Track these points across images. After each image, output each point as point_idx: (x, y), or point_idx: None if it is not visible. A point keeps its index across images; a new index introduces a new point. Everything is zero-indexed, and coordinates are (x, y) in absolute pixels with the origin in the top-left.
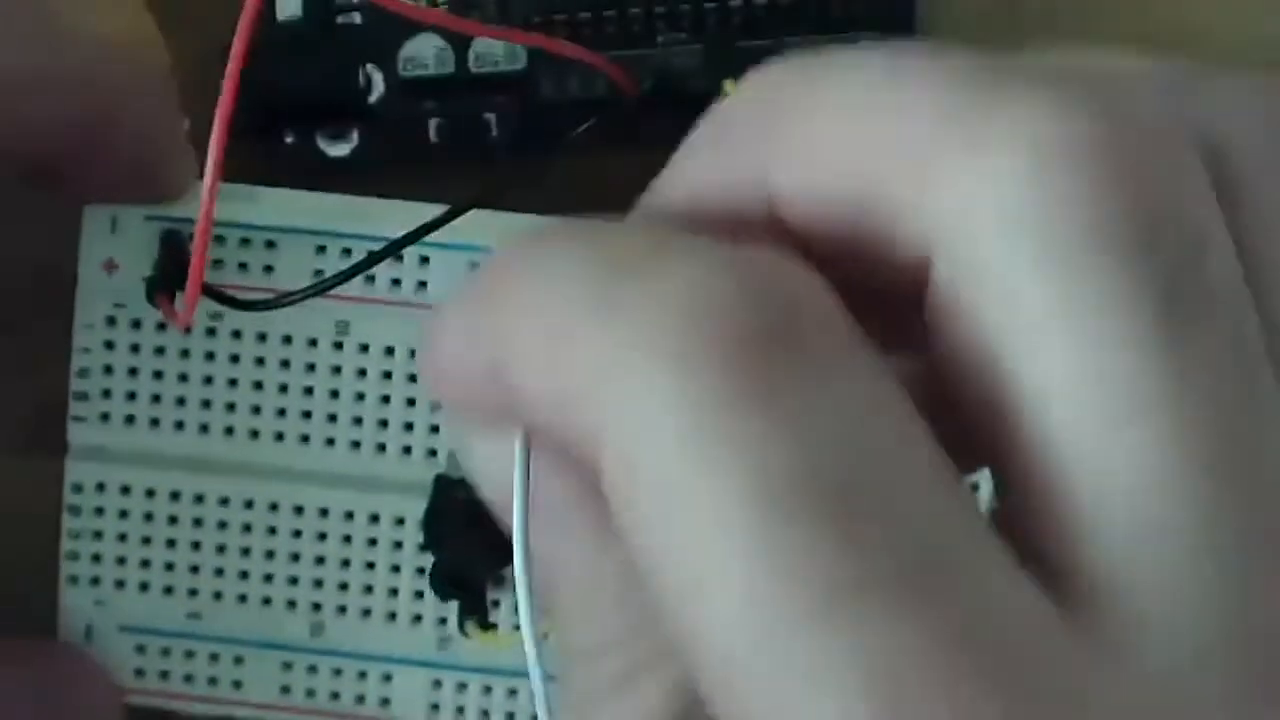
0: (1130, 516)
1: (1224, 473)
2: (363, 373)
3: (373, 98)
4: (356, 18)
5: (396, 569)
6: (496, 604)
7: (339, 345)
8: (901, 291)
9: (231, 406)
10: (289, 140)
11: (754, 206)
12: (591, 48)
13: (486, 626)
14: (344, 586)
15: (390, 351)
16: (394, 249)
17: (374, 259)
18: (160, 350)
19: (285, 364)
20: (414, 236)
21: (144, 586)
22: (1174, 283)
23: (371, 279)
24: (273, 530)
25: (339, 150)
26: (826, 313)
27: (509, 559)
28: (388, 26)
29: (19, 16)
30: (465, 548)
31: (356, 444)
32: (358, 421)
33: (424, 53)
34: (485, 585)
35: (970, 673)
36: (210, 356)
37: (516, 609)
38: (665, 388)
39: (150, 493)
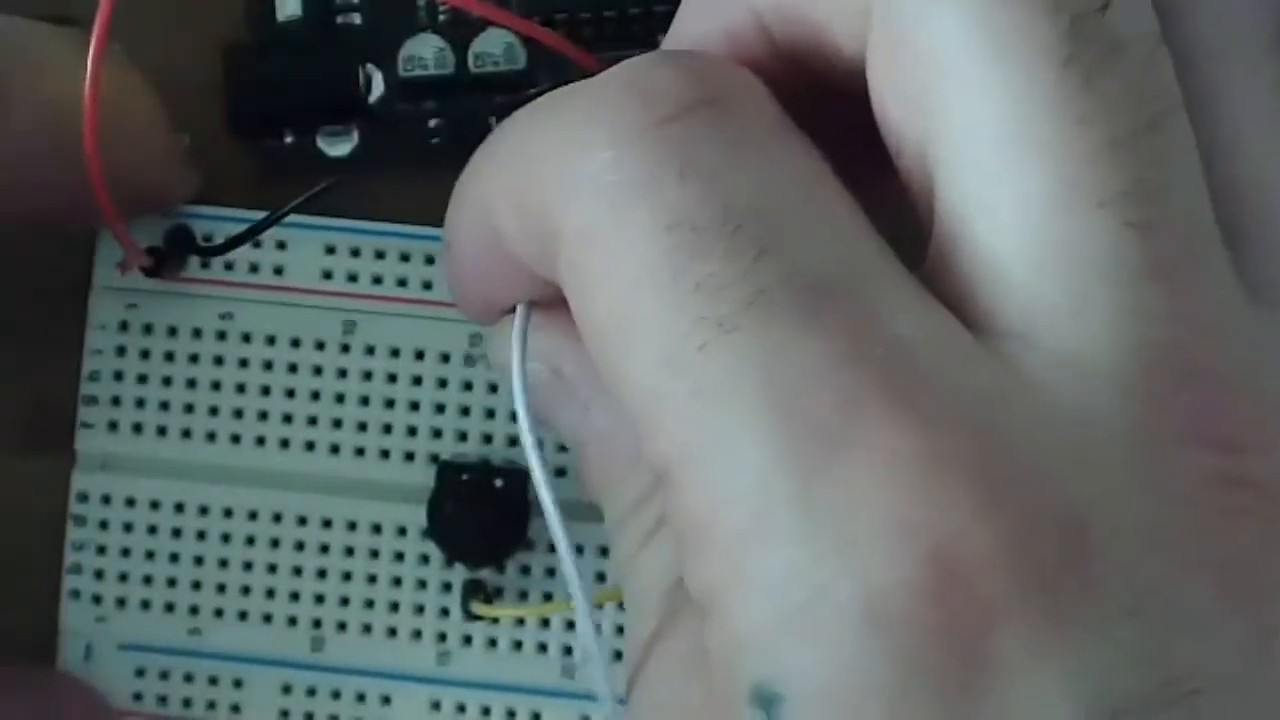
0: (1035, 253)
1: (1124, 206)
2: (368, 375)
3: (373, 98)
4: (356, 18)
5: (398, 582)
6: (500, 590)
7: (345, 348)
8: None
9: (239, 413)
10: (289, 140)
11: (748, 31)
12: (591, 48)
13: (490, 601)
14: (345, 601)
15: (396, 353)
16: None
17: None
18: (170, 356)
19: (293, 368)
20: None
21: (145, 604)
22: (1077, 31)
23: (379, 280)
24: (275, 543)
25: (339, 150)
26: (749, 93)
27: (512, 541)
28: (387, 26)
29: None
30: (468, 532)
31: (360, 450)
32: (362, 427)
33: (424, 53)
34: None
35: (872, 386)
36: (219, 360)
37: (519, 593)
38: (602, 156)
39: (155, 504)
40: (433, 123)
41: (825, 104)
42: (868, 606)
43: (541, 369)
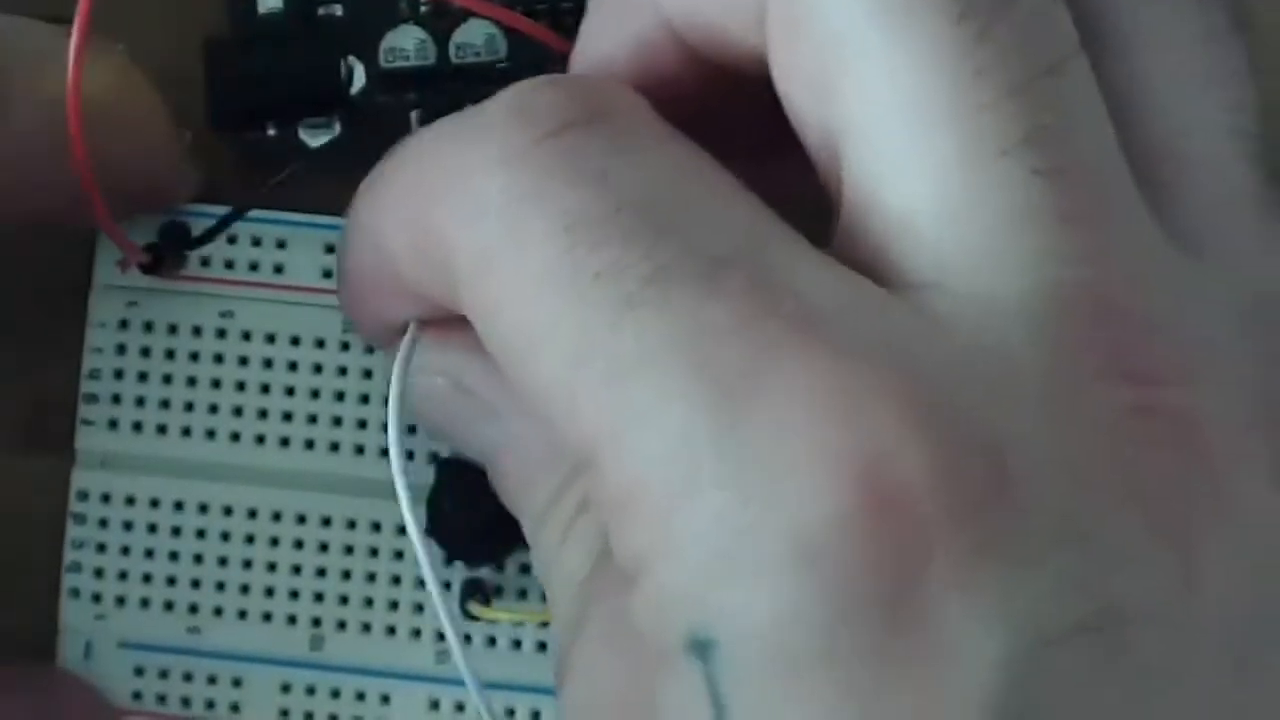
0: (945, 208)
1: (1027, 153)
2: (368, 374)
3: (354, 89)
4: (337, 10)
5: (397, 580)
6: (499, 590)
7: (345, 346)
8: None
9: (239, 411)
10: (271, 132)
11: (658, 37)
12: (572, 37)
13: (488, 602)
14: (344, 600)
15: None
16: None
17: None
18: (170, 354)
19: (293, 366)
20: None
21: (145, 603)
22: None
23: None
24: (275, 541)
25: (321, 141)
26: (630, 106)
27: (511, 540)
28: (369, 18)
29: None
30: (467, 531)
31: (360, 448)
32: (362, 425)
33: (405, 44)
34: (487, 566)
35: (784, 333)
36: (219, 359)
37: (518, 591)
38: (491, 179)
39: (154, 503)
40: (414, 114)
41: (741, 100)
42: (796, 541)
43: (443, 383)
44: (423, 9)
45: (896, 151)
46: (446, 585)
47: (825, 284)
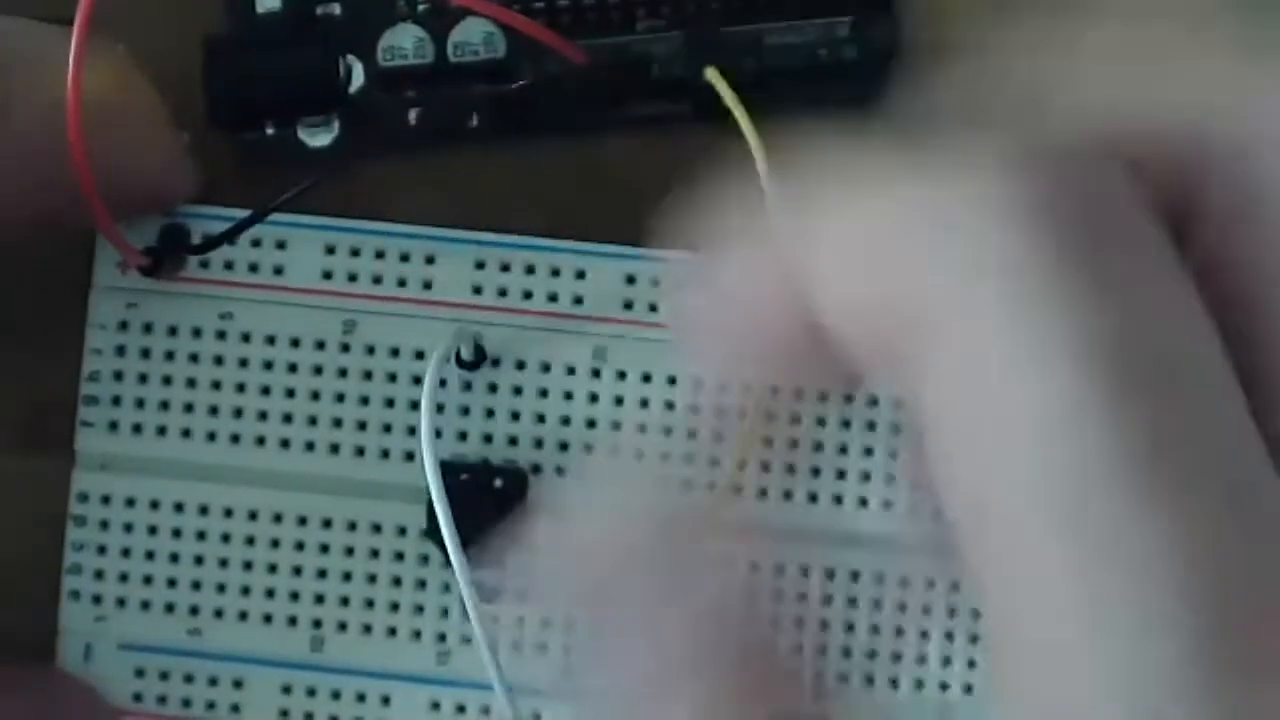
0: None
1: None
2: (368, 375)
3: (353, 88)
4: (336, 9)
5: (398, 582)
6: (500, 591)
7: (345, 348)
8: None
9: (239, 413)
10: (270, 131)
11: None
12: (570, 36)
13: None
14: (345, 601)
15: (396, 353)
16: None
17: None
18: (170, 355)
19: (293, 367)
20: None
21: (145, 604)
22: None
23: (379, 280)
24: (275, 543)
25: (320, 141)
26: (1143, 223)
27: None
28: (367, 17)
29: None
30: (468, 532)
31: (360, 450)
32: (362, 427)
33: (403, 43)
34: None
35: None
36: (219, 360)
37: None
38: (993, 307)
39: (154, 504)
40: (413, 112)
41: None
42: None
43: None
44: (421, 8)
45: None
46: (447, 587)
47: None
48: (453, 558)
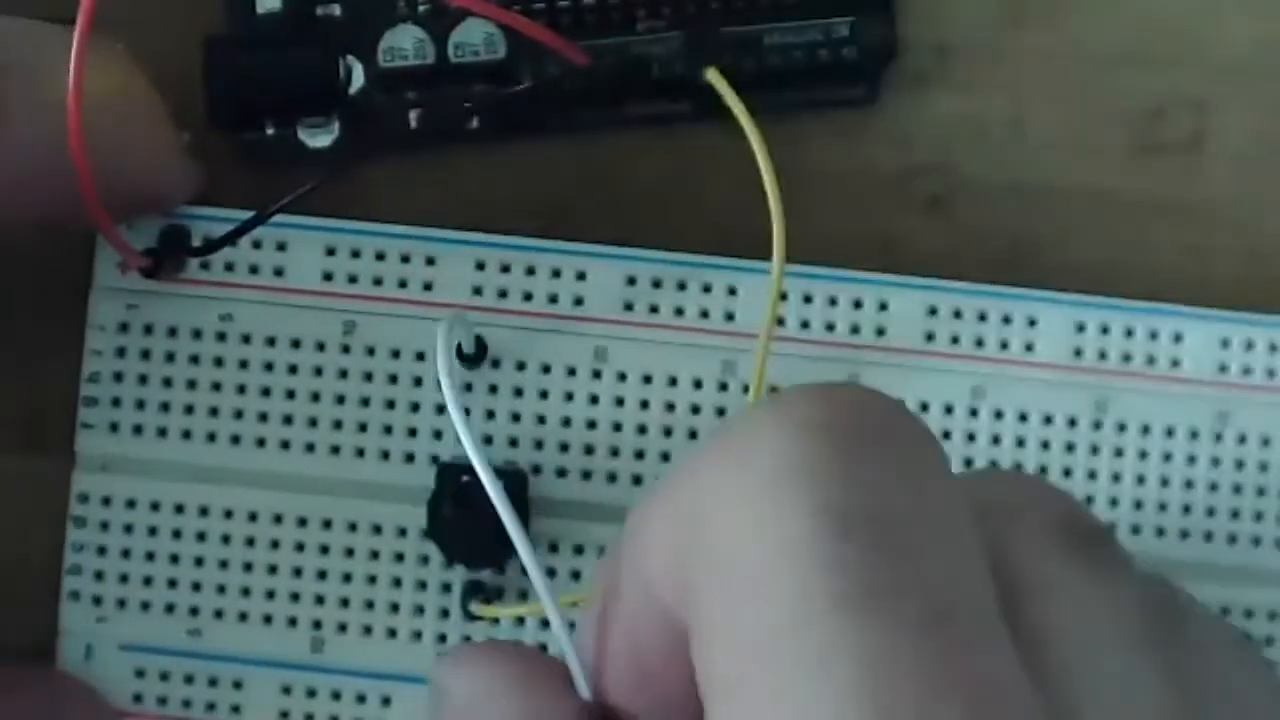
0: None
1: None
2: (369, 376)
3: (353, 89)
4: (336, 9)
5: (398, 583)
6: (500, 592)
7: (346, 349)
8: None
9: (239, 414)
10: (270, 132)
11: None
12: (571, 36)
13: (489, 602)
14: (345, 602)
15: (396, 354)
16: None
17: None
18: (170, 357)
19: (293, 369)
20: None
21: (145, 605)
22: None
23: (379, 281)
24: (275, 544)
25: (320, 141)
26: (921, 430)
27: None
28: (367, 17)
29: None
30: (468, 533)
31: (361, 451)
32: (362, 428)
33: (404, 43)
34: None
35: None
36: (219, 362)
37: (519, 593)
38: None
39: (155, 505)
40: (414, 113)
41: None
42: None
43: None
44: (421, 8)
45: None
46: (447, 587)
47: (1007, 679)
48: (522, 552)
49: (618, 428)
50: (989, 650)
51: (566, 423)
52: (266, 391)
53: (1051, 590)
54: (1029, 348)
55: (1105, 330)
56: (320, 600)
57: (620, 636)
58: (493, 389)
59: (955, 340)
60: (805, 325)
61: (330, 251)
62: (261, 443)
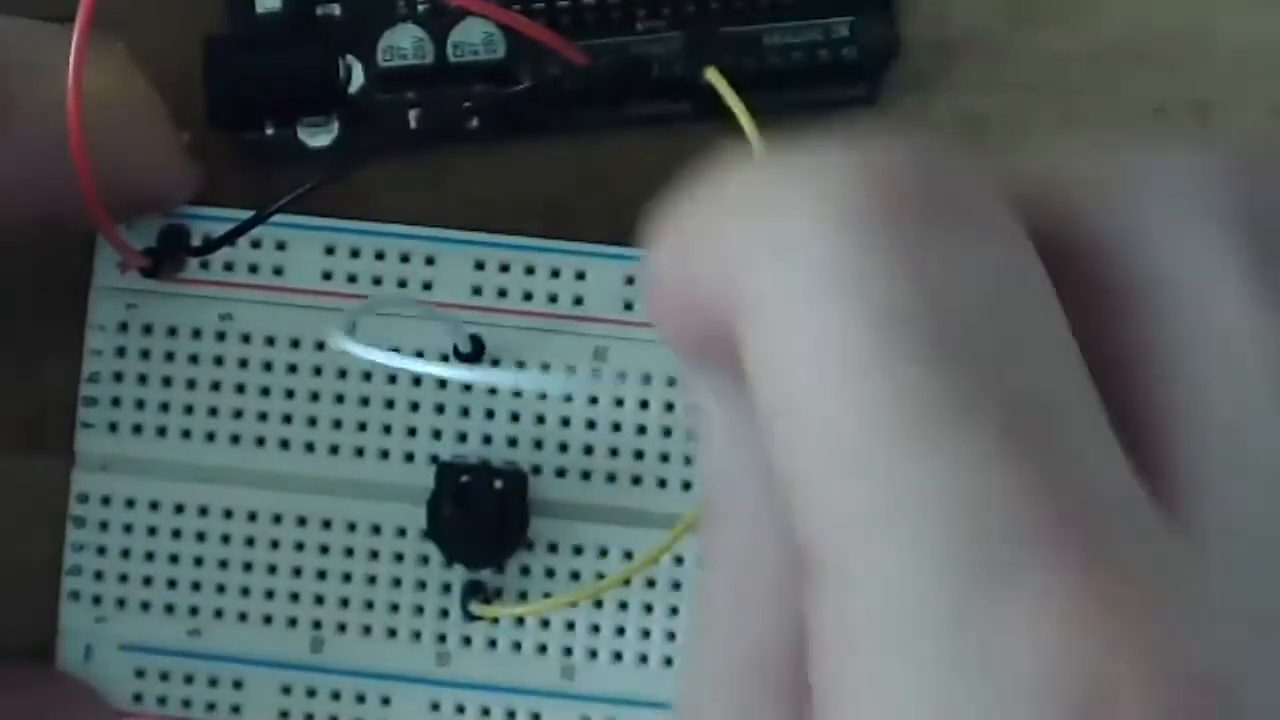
0: (1228, 435)
1: None
2: (368, 376)
3: (353, 88)
4: (335, 9)
5: (398, 583)
6: (500, 592)
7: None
8: None
9: (239, 414)
10: (270, 132)
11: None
12: (570, 36)
13: (489, 602)
14: (344, 602)
15: (396, 354)
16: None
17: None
18: (170, 356)
19: (293, 368)
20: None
21: (145, 605)
22: None
23: (379, 280)
24: (275, 544)
25: (320, 141)
26: (982, 188)
27: (511, 542)
28: (367, 17)
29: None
30: (468, 533)
31: (360, 451)
32: (362, 428)
33: (403, 43)
34: (488, 568)
35: (1054, 527)
36: (219, 361)
37: (519, 593)
38: (815, 225)
39: (154, 505)
40: (413, 112)
41: None
42: None
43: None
44: (421, 8)
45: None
46: (447, 587)
47: (1107, 480)
48: None
49: (617, 428)
50: (1092, 462)
51: (566, 423)
52: (266, 391)
53: (1198, 335)
54: None
55: None
56: (320, 600)
57: None
58: (493, 389)
59: None
60: None
61: (330, 251)
62: (261, 442)
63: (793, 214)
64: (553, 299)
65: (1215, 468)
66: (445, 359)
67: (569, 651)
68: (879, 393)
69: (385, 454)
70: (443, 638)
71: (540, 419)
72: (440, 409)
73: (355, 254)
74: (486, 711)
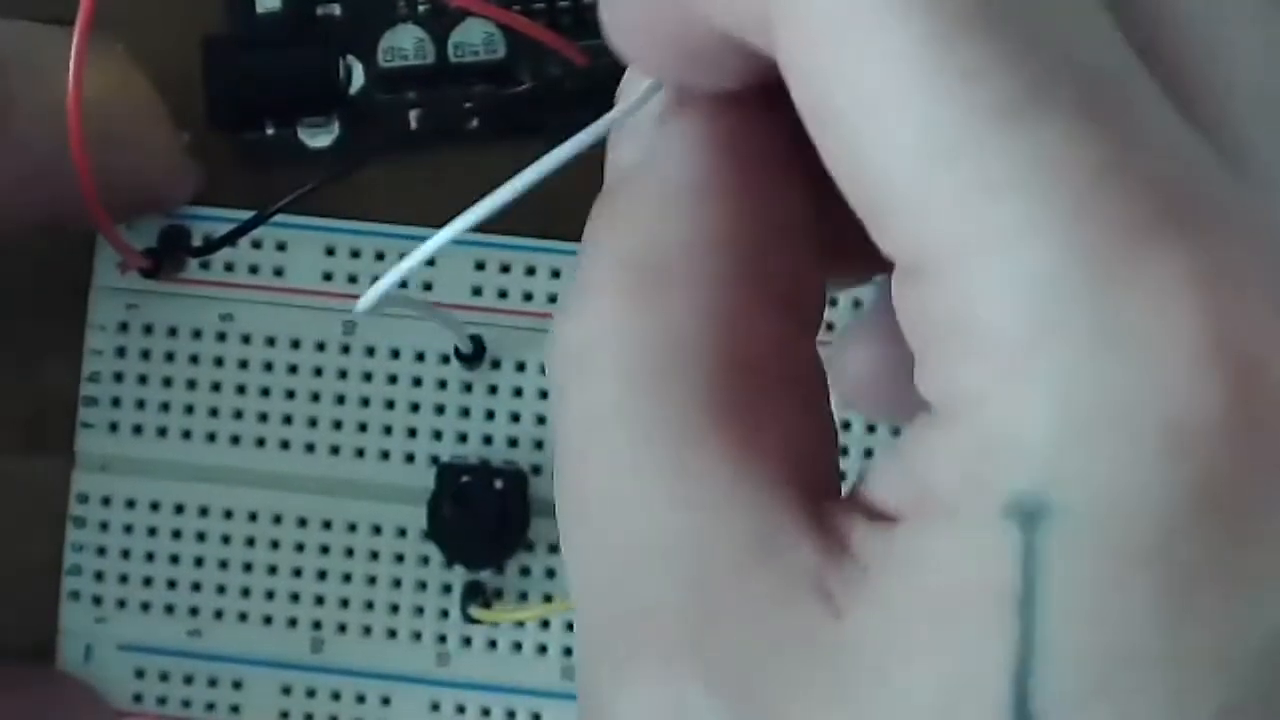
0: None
1: None
2: (368, 377)
3: (353, 89)
4: (336, 9)
5: (398, 583)
6: (499, 593)
7: (345, 349)
8: None
9: (239, 414)
10: (270, 132)
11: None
12: (570, 36)
13: (489, 604)
14: (345, 603)
15: (396, 355)
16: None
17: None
18: (170, 356)
19: (293, 369)
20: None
21: (145, 606)
22: None
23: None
24: (275, 544)
25: (320, 141)
26: None
27: (511, 543)
28: (367, 17)
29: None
30: (468, 534)
31: (360, 451)
32: (362, 428)
33: (404, 43)
34: (488, 569)
35: (1143, 185)
36: (219, 362)
37: (519, 594)
38: None
39: (155, 506)
40: (413, 113)
41: None
42: (1170, 430)
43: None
44: (421, 9)
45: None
46: (447, 588)
47: (1176, 135)
48: None
49: None
50: (1170, 128)
51: None
52: (266, 391)
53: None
54: None
55: None
56: (320, 601)
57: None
58: (493, 389)
59: None
60: None
61: (330, 252)
62: (261, 443)
63: None
64: (553, 299)
65: (1255, 121)
66: (446, 360)
67: (569, 651)
68: (944, 75)
69: (385, 454)
70: (443, 638)
71: (540, 420)
72: (440, 409)
73: (355, 254)
74: (486, 711)
